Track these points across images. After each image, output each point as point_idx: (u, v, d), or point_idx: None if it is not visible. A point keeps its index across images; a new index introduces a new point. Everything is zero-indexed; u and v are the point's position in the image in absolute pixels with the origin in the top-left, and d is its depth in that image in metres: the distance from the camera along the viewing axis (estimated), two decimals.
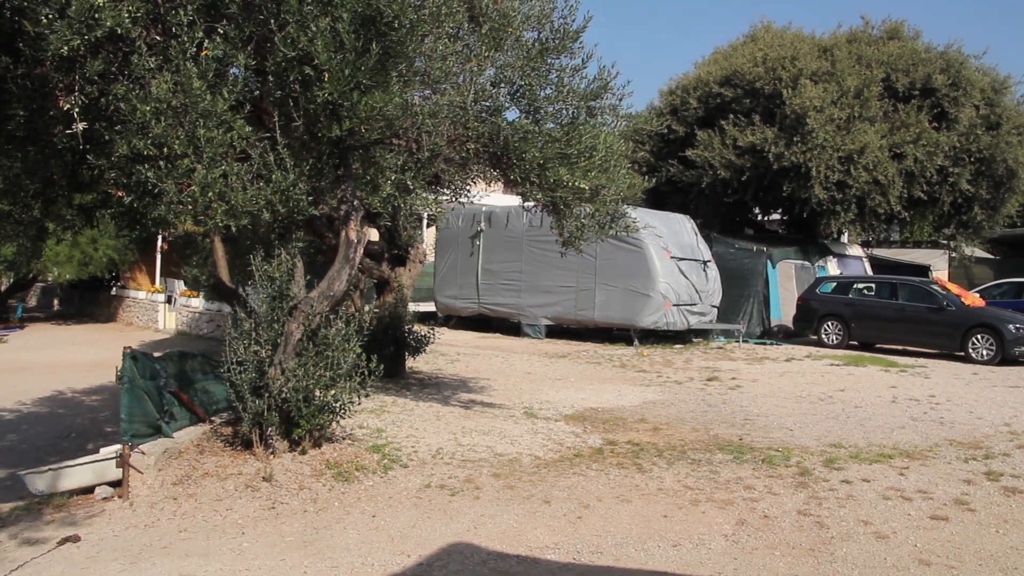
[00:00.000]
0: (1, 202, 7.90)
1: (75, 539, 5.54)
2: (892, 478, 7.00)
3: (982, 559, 5.22)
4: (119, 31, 5.17)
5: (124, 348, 6.90)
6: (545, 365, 14.05)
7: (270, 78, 6.08)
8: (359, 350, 7.05)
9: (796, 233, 22.12)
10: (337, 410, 7.04)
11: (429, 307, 20.55)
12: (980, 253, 25.79)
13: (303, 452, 6.94)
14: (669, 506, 6.24)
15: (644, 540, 5.52)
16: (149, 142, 5.36)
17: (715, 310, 18.03)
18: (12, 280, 26.98)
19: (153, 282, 25.24)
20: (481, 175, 8.44)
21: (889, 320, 16.60)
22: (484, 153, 7.40)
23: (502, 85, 7.26)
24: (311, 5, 5.56)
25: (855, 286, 17.94)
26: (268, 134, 6.03)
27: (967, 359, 15.24)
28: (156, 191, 5.63)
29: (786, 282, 19.24)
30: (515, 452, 7.77)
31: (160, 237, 22.97)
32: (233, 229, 5.81)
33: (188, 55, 5.35)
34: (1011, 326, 14.97)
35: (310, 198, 6.13)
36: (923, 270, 23.82)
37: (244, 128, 5.67)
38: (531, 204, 8.20)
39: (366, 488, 6.59)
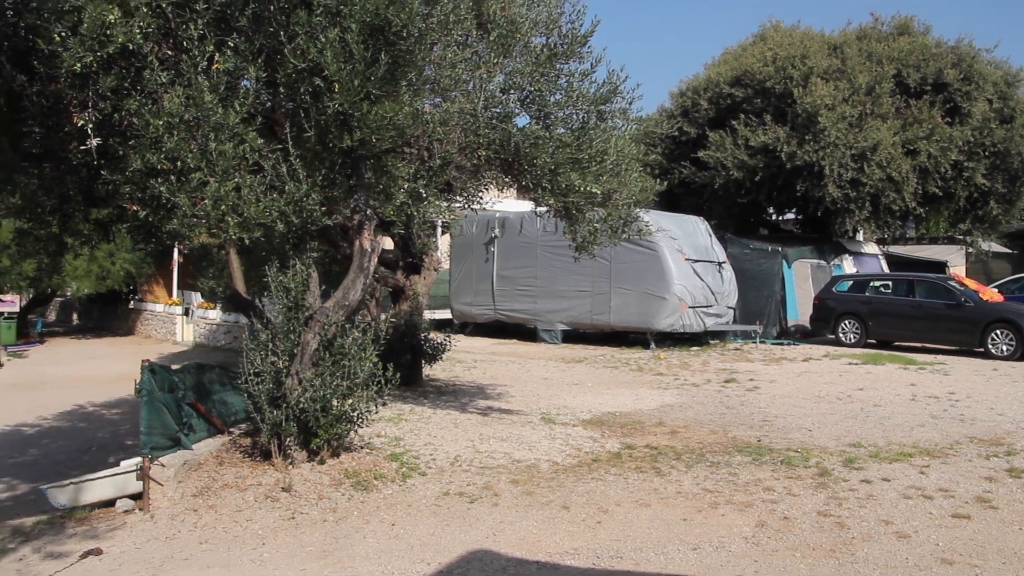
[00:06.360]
0: (20, 219, 7.99)
1: (97, 552, 5.57)
2: (913, 477, 6.95)
3: (1006, 557, 5.17)
4: (131, 47, 5.23)
5: (142, 361, 6.94)
6: (562, 370, 14.04)
7: (281, 90, 6.13)
8: (376, 359, 7.06)
9: (811, 232, 21.98)
10: (355, 419, 7.06)
11: (445, 314, 20.57)
12: (997, 248, 25.57)
13: (322, 462, 6.96)
14: (688, 509, 6.22)
15: (664, 544, 5.50)
16: (162, 156, 5.41)
17: (731, 311, 17.93)
18: (32, 296, 27.21)
19: (170, 295, 25.38)
20: (493, 181, 8.47)
21: (907, 317, 16.47)
22: (495, 160, 7.43)
23: (512, 91, 7.29)
24: (320, 16, 5.60)
25: (872, 284, 17.81)
26: (280, 145, 6.07)
27: (987, 355, 15.10)
28: (170, 205, 5.68)
29: (802, 282, 19.13)
30: (533, 458, 7.77)
31: (176, 250, 23.12)
32: (247, 241, 5.85)
33: (199, 69, 5.40)
34: None
35: (323, 208, 6.16)
36: (940, 266, 23.62)
37: (256, 140, 5.72)
38: (544, 209, 8.21)
39: (385, 497, 6.60)
